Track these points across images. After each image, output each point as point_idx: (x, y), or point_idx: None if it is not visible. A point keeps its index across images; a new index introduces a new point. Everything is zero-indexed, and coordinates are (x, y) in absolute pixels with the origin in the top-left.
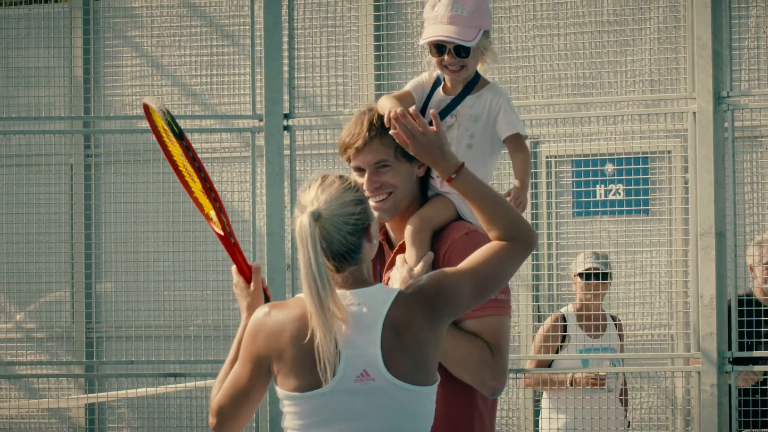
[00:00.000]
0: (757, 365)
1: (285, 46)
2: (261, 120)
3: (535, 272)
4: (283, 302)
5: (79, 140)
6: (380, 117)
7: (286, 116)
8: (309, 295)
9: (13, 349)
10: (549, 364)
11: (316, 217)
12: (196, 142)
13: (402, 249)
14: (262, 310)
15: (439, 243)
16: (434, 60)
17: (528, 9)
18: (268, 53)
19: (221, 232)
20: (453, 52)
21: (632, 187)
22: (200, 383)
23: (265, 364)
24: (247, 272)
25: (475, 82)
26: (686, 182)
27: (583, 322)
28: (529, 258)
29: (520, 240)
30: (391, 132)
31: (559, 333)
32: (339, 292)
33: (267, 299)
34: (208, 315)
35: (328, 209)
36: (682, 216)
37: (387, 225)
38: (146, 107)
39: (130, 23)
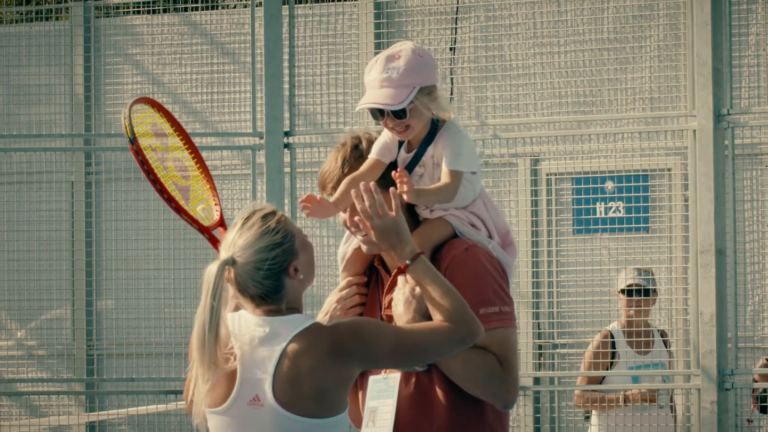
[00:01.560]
0: None
1: (285, 64)
2: (261, 137)
3: (535, 290)
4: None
5: (79, 158)
6: (354, 150)
7: (287, 134)
8: (195, 341)
9: (14, 367)
10: (599, 382)
11: (230, 263)
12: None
13: (401, 271)
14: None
15: (440, 260)
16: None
17: (529, 27)
18: (268, 71)
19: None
20: (391, 115)
21: (632, 204)
22: None
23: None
24: None
25: (434, 131)
26: (686, 200)
27: (633, 339)
28: (530, 276)
29: (462, 323)
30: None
31: (608, 350)
32: (251, 317)
33: None
34: None
35: (242, 256)
36: (682, 233)
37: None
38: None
39: (130, 41)
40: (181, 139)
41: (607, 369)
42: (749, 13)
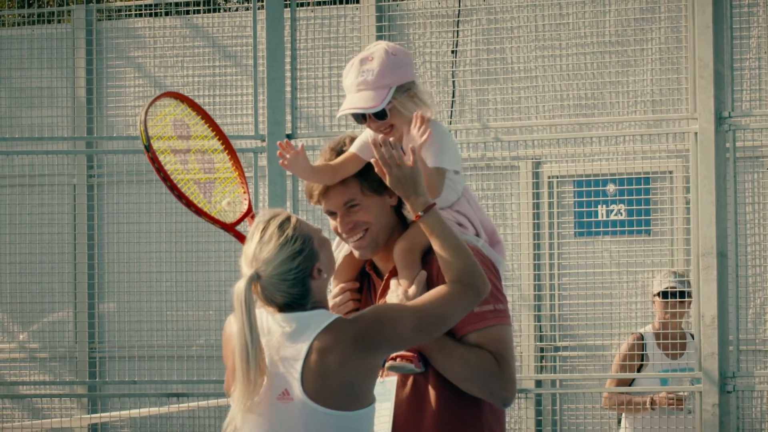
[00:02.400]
0: None
1: (287, 67)
2: (263, 140)
3: (537, 292)
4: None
5: (81, 160)
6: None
7: (289, 136)
8: (239, 359)
9: (16, 369)
10: (629, 385)
11: (255, 278)
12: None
13: (394, 273)
14: (227, 319)
15: (431, 262)
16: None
17: (530, 29)
18: (270, 74)
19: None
20: (373, 118)
21: (634, 207)
22: (203, 403)
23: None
24: None
25: None
26: (688, 202)
27: (661, 341)
28: (531, 278)
29: (471, 286)
30: (371, 159)
31: (636, 352)
32: (277, 314)
33: None
34: (210, 335)
35: (266, 270)
36: (684, 236)
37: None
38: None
39: (132, 44)
40: (210, 128)
41: (637, 371)
42: (750, 15)
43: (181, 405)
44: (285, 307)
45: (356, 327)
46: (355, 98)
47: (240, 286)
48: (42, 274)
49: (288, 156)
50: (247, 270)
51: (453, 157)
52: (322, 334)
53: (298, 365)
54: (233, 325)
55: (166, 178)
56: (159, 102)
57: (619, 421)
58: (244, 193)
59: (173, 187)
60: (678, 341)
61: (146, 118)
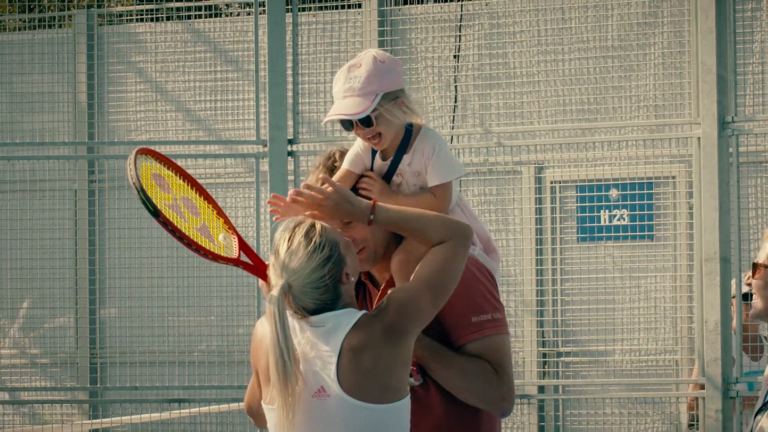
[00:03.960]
0: None
1: (289, 72)
2: (265, 145)
3: (539, 297)
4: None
5: (83, 166)
6: (329, 172)
7: (290, 141)
8: (275, 369)
9: (17, 375)
10: None
11: (287, 288)
12: (201, 167)
13: (391, 283)
14: (259, 320)
15: None
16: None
17: (533, 34)
18: (272, 79)
19: (234, 255)
20: (360, 125)
21: (637, 212)
22: (204, 409)
23: (257, 373)
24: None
25: (408, 138)
26: (691, 207)
27: (748, 344)
28: (533, 284)
29: (456, 238)
30: (302, 215)
31: None
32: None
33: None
34: (212, 341)
35: (298, 279)
36: (687, 241)
37: None
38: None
39: (134, 48)
40: (177, 173)
41: None
42: (754, 20)
43: (182, 411)
44: (315, 313)
45: (383, 320)
46: (341, 105)
47: (273, 296)
48: (43, 279)
49: (281, 205)
50: (277, 280)
51: (455, 165)
52: (352, 332)
53: (332, 363)
54: (267, 334)
55: (182, 236)
56: (139, 161)
57: (690, 425)
58: (225, 223)
59: (194, 244)
60: (758, 344)
61: (141, 185)
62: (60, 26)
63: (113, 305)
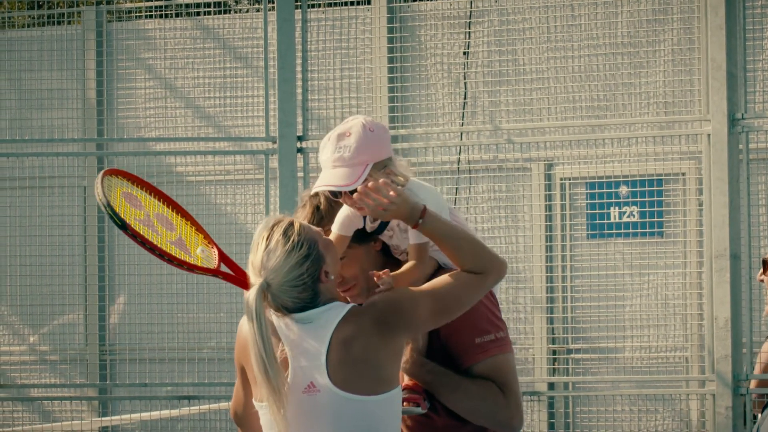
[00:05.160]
0: None
1: (298, 68)
2: (274, 142)
3: (549, 294)
4: None
5: (92, 162)
6: (315, 213)
7: (300, 138)
8: (256, 367)
9: (26, 372)
10: None
11: (266, 287)
12: (210, 164)
13: None
14: (242, 319)
15: None
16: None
17: (542, 31)
18: (281, 75)
19: (213, 266)
20: (348, 195)
21: (647, 209)
22: (214, 406)
23: (243, 373)
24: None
25: None
26: (701, 204)
27: None
28: (544, 281)
29: (487, 275)
30: (362, 211)
31: None
32: (292, 315)
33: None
34: (221, 337)
35: (276, 278)
36: (697, 238)
37: None
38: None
39: (143, 45)
40: (149, 192)
41: None
42: (763, 17)
43: (192, 408)
44: (297, 311)
45: (374, 311)
46: (331, 175)
47: (250, 296)
48: (52, 276)
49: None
50: (255, 279)
51: (439, 209)
52: (342, 323)
53: (321, 356)
54: (248, 333)
55: (153, 247)
56: (105, 181)
57: (754, 420)
58: (204, 238)
59: (166, 255)
60: None
61: (108, 201)
62: (69, 23)
63: (122, 302)
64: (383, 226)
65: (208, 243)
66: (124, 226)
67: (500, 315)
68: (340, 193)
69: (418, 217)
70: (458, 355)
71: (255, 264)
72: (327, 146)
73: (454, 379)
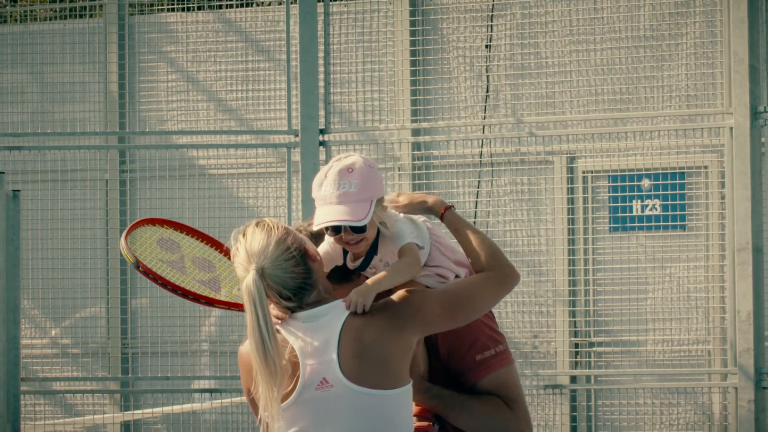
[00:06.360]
0: None
1: (321, 62)
2: (297, 135)
3: (571, 287)
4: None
5: (114, 155)
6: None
7: (322, 131)
8: (257, 356)
9: (48, 365)
10: None
11: (260, 272)
12: (232, 157)
13: None
14: (240, 345)
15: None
16: (332, 237)
17: (564, 24)
18: (303, 68)
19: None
20: (350, 230)
21: (669, 202)
22: (236, 399)
23: (250, 395)
24: None
25: (377, 239)
26: (723, 197)
27: None
28: (566, 274)
29: (500, 275)
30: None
31: None
32: (299, 314)
33: None
34: (244, 330)
35: (267, 258)
36: (719, 231)
37: None
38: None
39: (165, 38)
40: (194, 236)
41: None
42: None
43: (214, 401)
44: (299, 295)
45: (385, 307)
46: (337, 210)
47: (248, 280)
48: (74, 269)
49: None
50: (248, 266)
51: (414, 232)
52: (350, 318)
53: (333, 351)
54: (248, 333)
55: (165, 282)
56: (137, 230)
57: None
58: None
59: (173, 287)
60: None
61: (127, 244)
62: (91, 16)
63: (144, 295)
64: (366, 263)
65: None
66: (136, 264)
67: (497, 327)
68: (341, 228)
69: (444, 205)
70: (461, 373)
71: (241, 260)
72: (325, 182)
73: (460, 400)
